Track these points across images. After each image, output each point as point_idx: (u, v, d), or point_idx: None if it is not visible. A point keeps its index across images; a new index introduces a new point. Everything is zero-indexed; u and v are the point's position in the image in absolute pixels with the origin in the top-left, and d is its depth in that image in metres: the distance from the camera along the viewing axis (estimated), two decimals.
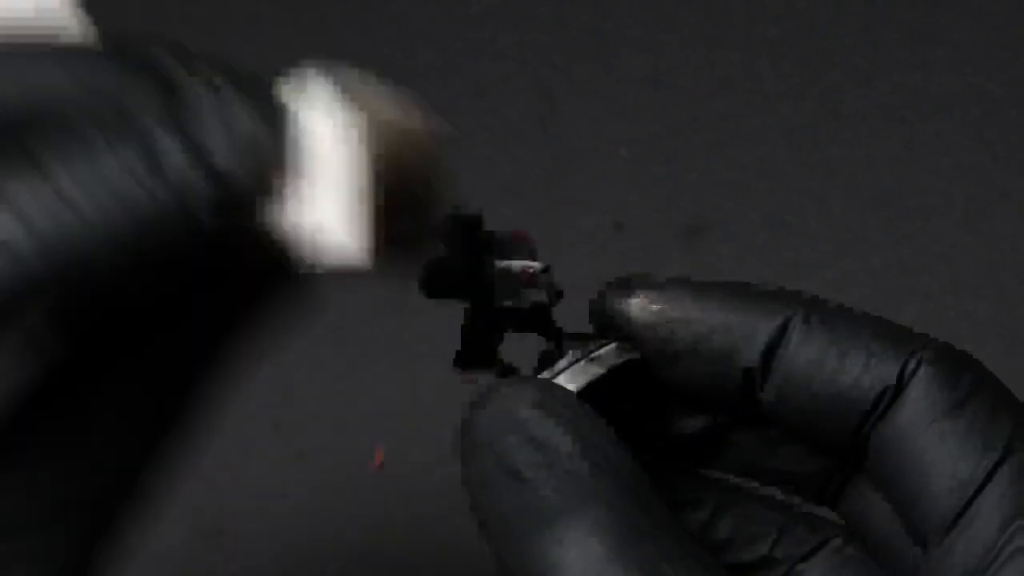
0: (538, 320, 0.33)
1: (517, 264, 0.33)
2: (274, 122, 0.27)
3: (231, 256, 0.28)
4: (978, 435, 0.29)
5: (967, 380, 0.30)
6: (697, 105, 0.69)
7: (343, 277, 0.29)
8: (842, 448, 0.32)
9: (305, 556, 0.60)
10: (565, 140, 0.69)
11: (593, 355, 0.32)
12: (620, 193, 0.67)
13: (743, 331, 0.31)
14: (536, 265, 0.33)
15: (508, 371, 0.33)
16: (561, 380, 0.32)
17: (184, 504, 0.62)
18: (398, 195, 0.28)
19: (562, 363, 0.32)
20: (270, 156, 0.26)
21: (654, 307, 0.32)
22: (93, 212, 0.25)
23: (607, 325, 0.33)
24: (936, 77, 0.69)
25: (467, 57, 0.71)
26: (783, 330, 0.31)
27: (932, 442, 0.29)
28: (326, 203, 0.27)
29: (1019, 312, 0.63)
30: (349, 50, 0.72)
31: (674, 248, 0.65)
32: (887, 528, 0.32)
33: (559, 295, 0.33)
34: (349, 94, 0.27)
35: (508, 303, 0.33)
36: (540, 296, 0.33)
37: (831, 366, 0.31)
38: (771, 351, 0.31)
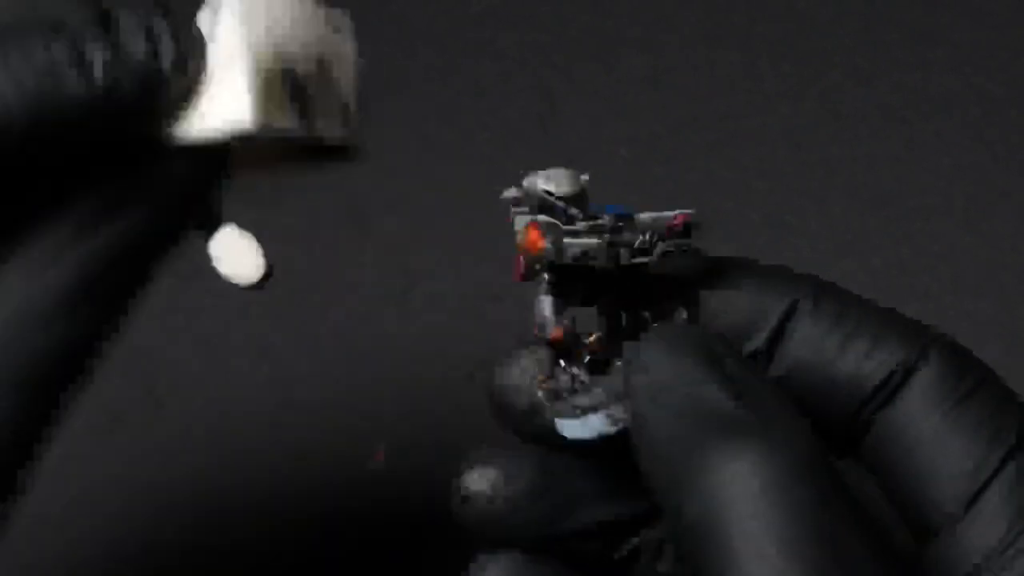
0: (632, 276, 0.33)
1: (668, 214, 0.33)
2: (191, 35, 0.32)
3: (151, 143, 0.32)
4: (988, 423, 0.29)
5: (974, 371, 0.30)
6: (697, 105, 0.69)
7: (258, 167, 0.33)
8: (841, 434, 0.32)
9: (305, 557, 0.60)
10: (565, 140, 0.69)
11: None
12: (620, 193, 0.67)
13: (754, 310, 0.32)
14: (689, 211, 0.33)
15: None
16: None
17: (184, 504, 0.62)
18: (302, 81, 0.33)
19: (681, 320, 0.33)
20: (185, 61, 0.32)
21: None
22: (16, 91, 0.30)
23: None
24: (936, 77, 0.69)
25: (467, 57, 0.71)
26: (791, 311, 0.31)
27: (943, 428, 0.30)
28: (226, 85, 0.32)
29: (1019, 312, 0.63)
30: None
31: None
32: None
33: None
34: None
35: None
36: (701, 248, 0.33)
37: (834, 349, 0.31)
38: (779, 332, 0.31)
